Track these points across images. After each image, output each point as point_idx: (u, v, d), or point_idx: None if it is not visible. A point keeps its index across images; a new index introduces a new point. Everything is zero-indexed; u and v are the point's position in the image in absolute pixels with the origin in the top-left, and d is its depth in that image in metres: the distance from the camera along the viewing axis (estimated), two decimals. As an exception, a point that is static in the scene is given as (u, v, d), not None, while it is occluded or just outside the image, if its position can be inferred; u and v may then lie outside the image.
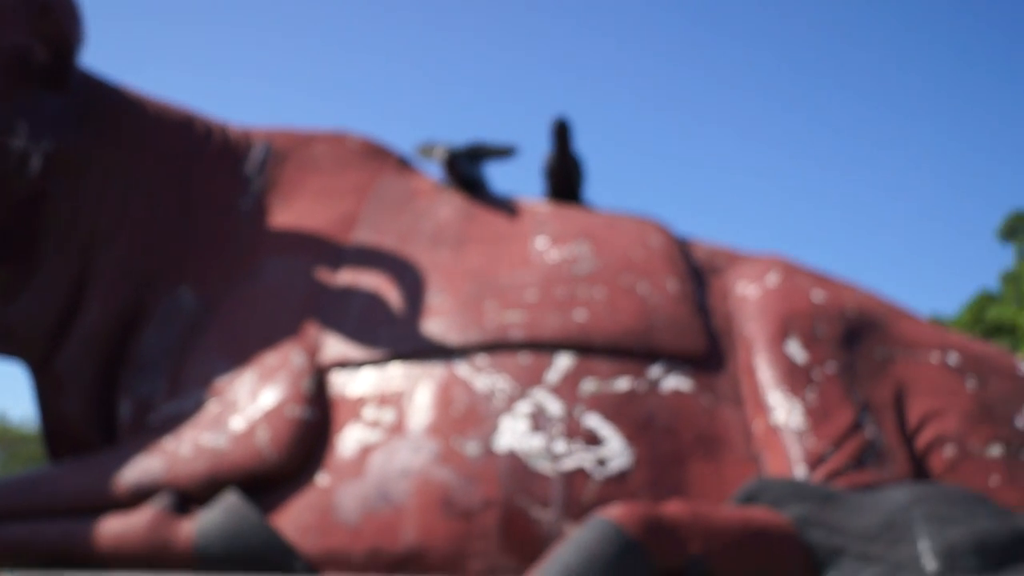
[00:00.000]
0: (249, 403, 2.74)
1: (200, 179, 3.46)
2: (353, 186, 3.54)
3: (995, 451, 2.63)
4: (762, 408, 2.68)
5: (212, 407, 2.79)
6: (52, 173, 3.17)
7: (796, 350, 2.78)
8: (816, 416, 2.62)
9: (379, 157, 3.73)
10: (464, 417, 2.61)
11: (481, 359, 2.75)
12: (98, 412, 3.12)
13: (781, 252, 3.28)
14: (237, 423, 2.69)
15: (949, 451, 2.62)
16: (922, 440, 2.65)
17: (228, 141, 3.60)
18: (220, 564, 2.37)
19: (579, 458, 2.50)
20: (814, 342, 2.80)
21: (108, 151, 3.32)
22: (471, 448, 2.53)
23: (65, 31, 3.15)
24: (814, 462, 2.53)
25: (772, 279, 3.04)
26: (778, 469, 2.55)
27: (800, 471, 2.52)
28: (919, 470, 2.59)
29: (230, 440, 2.64)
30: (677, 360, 2.77)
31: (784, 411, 2.64)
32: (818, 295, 2.97)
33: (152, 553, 2.42)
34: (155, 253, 3.27)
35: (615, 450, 2.53)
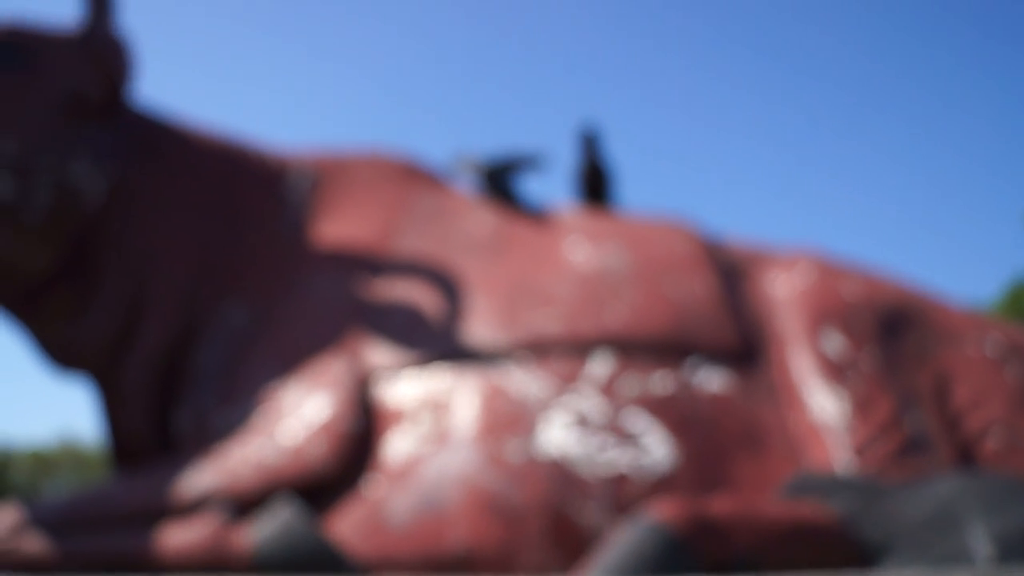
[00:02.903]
0: (299, 413, 2.80)
1: (244, 201, 3.59)
2: (390, 202, 3.61)
3: None
4: (801, 403, 2.68)
5: (264, 418, 2.86)
6: (109, 201, 3.36)
7: (832, 343, 2.79)
8: (856, 408, 2.62)
9: (414, 173, 3.80)
10: (506, 420, 2.63)
11: (521, 361, 2.78)
12: (158, 426, 3.24)
13: (811, 246, 3.28)
14: (288, 433, 2.75)
15: (995, 439, 2.60)
16: (966, 429, 2.64)
17: (270, 164, 3.72)
18: (278, 571, 2.43)
19: (622, 458, 2.52)
20: (849, 335, 2.80)
21: (159, 178, 3.49)
22: (514, 451, 2.55)
23: (117, 69, 3.37)
24: (857, 455, 2.52)
25: (804, 274, 3.04)
26: (821, 463, 2.54)
27: (843, 464, 2.51)
28: (964, 459, 2.57)
29: (282, 450, 2.71)
30: (713, 357, 2.79)
31: (824, 405, 2.64)
32: (851, 288, 2.97)
33: (212, 562, 2.49)
34: (206, 272, 3.41)
35: (657, 449, 2.54)
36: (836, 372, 2.71)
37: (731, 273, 3.16)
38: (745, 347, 2.85)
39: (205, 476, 2.70)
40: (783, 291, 3.02)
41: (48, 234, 3.23)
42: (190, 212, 3.48)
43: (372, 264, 3.30)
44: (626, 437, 2.56)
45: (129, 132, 3.48)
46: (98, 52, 3.32)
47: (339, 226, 3.51)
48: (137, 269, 3.35)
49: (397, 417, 2.77)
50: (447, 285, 3.11)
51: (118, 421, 3.28)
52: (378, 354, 2.94)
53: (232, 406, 2.98)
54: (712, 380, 2.73)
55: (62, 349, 3.33)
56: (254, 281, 3.40)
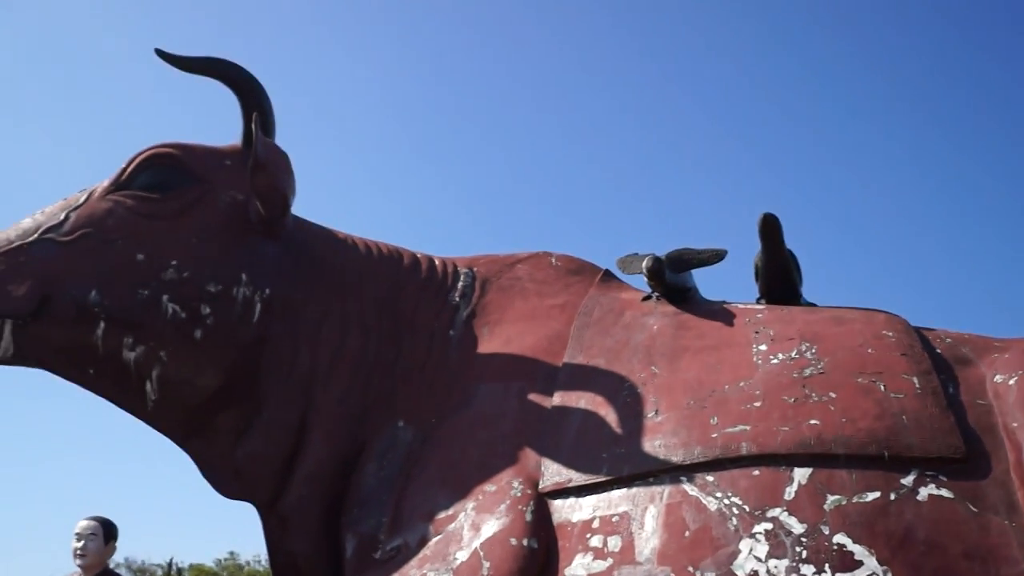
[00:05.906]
0: (471, 534, 2.66)
1: (410, 311, 3.50)
2: (559, 305, 3.47)
3: None
4: (1042, 512, 2.33)
5: (434, 540, 2.74)
6: (272, 317, 3.31)
7: None
8: None
9: (583, 273, 3.66)
10: (698, 541, 2.42)
11: (710, 477, 2.55)
12: (325, 550, 3.12)
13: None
14: (460, 556, 2.62)
15: None
16: None
17: (434, 271, 3.64)
18: None
19: None
20: None
21: (322, 291, 3.44)
22: (707, 572, 2.33)
23: (279, 184, 3.30)
24: None
25: None
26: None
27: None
28: None
29: (454, 574, 2.55)
30: (931, 465, 2.46)
31: None
32: None
33: None
34: (371, 387, 3.32)
35: (872, 570, 2.25)
36: None
37: (948, 365, 2.82)
38: (970, 450, 2.51)
39: None
40: (1013, 383, 2.66)
41: (215, 351, 3.22)
42: (355, 325, 3.42)
43: (544, 374, 3.15)
44: (835, 560, 2.29)
45: (291, 246, 3.46)
46: (260, 167, 3.25)
47: (509, 334, 3.38)
48: (301, 387, 3.29)
49: (578, 538, 2.59)
50: (626, 395, 2.90)
51: (283, 546, 3.19)
52: (555, 472, 2.77)
53: (402, 532, 2.87)
54: (932, 491, 2.41)
55: (229, 472, 3.27)
56: (421, 395, 3.28)
